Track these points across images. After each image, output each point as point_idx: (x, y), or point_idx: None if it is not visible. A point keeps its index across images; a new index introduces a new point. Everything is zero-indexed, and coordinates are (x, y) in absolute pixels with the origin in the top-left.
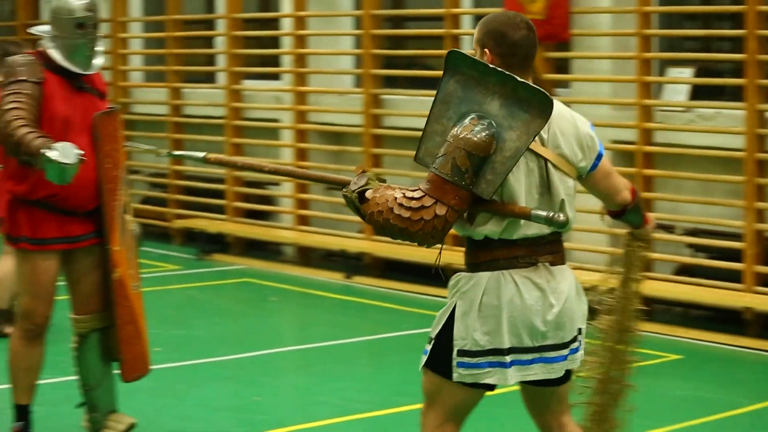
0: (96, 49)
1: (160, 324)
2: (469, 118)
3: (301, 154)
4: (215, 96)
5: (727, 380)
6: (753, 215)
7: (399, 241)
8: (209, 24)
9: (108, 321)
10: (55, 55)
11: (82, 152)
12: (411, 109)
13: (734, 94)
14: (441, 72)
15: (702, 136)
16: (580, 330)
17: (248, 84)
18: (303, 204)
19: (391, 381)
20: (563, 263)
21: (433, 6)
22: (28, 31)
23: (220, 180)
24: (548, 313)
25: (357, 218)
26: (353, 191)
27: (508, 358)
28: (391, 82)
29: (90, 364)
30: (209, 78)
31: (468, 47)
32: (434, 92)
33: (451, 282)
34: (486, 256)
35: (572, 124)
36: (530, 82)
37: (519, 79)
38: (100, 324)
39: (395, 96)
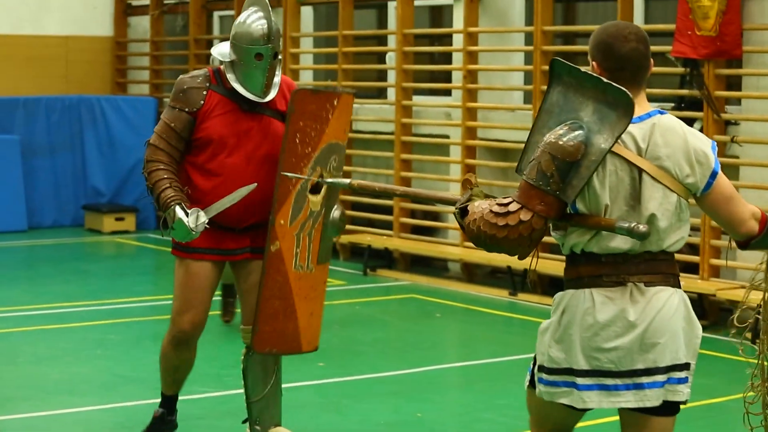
0: (273, 78)
1: (325, 339)
2: (562, 124)
3: (470, 171)
4: (385, 111)
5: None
6: None
7: (495, 253)
8: (380, 39)
9: None
10: (230, 78)
11: (204, 220)
12: None
13: None
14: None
15: None
16: (688, 364)
17: (418, 100)
18: None
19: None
20: (665, 285)
21: (604, 22)
22: (214, 54)
23: (387, 195)
24: (628, 334)
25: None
26: (456, 207)
27: (580, 380)
28: None
29: (255, 375)
30: (380, 93)
31: None
32: None
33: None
34: (572, 272)
35: (682, 138)
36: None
37: (607, 80)
38: None
39: None
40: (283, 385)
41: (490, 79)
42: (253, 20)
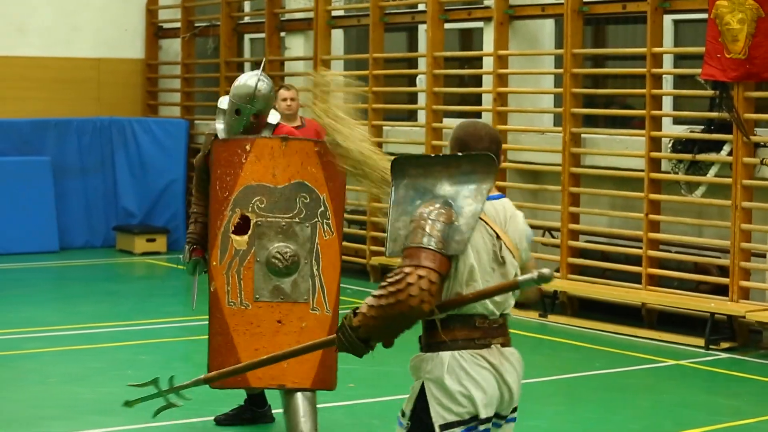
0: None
1: (354, 361)
2: (427, 201)
3: (500, 191)
4: (416, 134)
5: None
6: None
7: (397, 329)
8: (411, 62)
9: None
10: (219, 128)
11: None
12: (610, 148)
13: None
14: (641, 111)
15: None
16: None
17: (448, 122)
18: None
19: (584, 419)
20: (510, 345)
21: (634, 45)
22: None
23: None
24: (502, 389)
25: (553, 257)
26: (347, 319)
27: (482, 427)
28: (590, 121)
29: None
30: (410, 116)
31: (669, 87)
32: (632, 130)
33: (412, 363)
34: (446, 335)
35: (521, 221)
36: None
37: (458, 154)
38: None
39: (595, 135)
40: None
41: (520, 102)
42: (243, 80)
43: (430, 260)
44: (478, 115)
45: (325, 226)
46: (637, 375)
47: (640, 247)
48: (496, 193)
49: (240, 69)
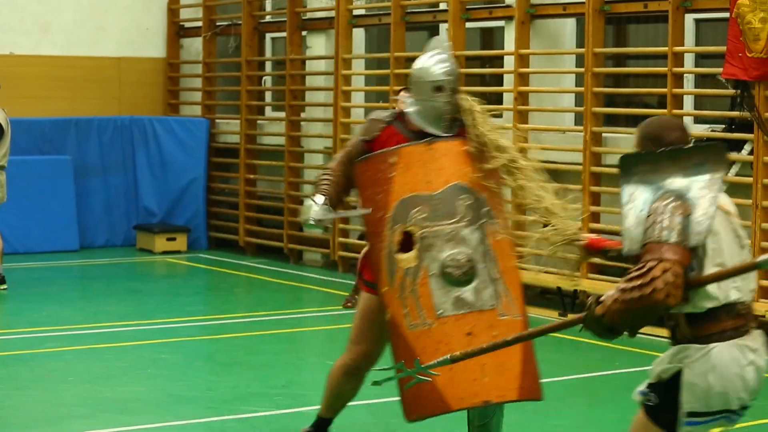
0: (454, 112)
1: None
2: (661, 196)
3: (518, 192)
4: None
5: None
6: None
7: (644, 324)
8: None
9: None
10: (413, 116)
11: (329, 216)
12: (631, 147)
13: None
14: (663, 110)
15: None
16: None
17: None
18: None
19: (605, 418)
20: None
21: (655, 44)
22: (393, 98)
23: None
24: (761, 377)
25: (571, 255)
26: (590, 309)
27: (735, 416)
28: (611, 120)
29: None
30: None
31: (690, 86)
32: None
33: (673, 350)
34: (715, 327)
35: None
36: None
37: (685, 147)
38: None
39: (616, 134)
40: None
41: (541, 101)
42: (433, 61)
43: (672, 252)
44: (499, 114)
45: (493, 226)
46: None
47: None
48: None
49: (261, 67)
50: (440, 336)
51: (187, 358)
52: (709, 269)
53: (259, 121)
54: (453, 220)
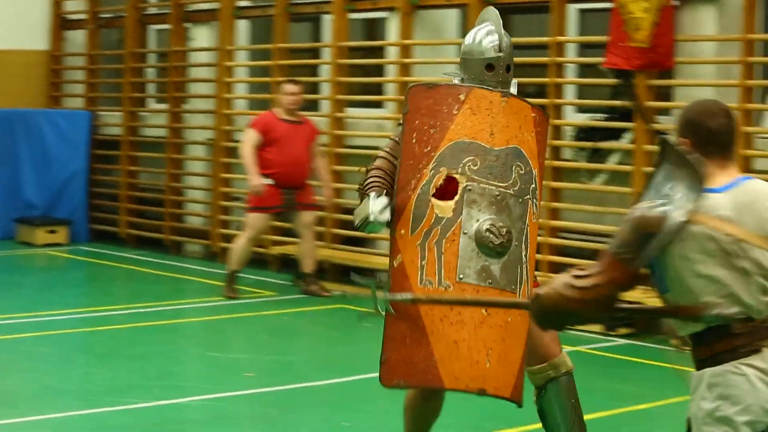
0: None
1: (254, 349)
2: (652, 201)
3: None
4: (319, 124)
5: None
6: None
7: (571, 324)
8: (315, 52)
9: (564, 368)
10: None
11: (386, 218)
12: None
13: None
14: (545, 99)
15: None
16: None
17: (351, 112)
18: None
19: (480, 406)
20: None
21: (537, 34)
22: (444, 73)
23: (318, 207)
24: None
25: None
26: (536, 296)
27: None
28: None
29: (551, 417)
30: (313, 106)
31: (573, 75)
32: None
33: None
34: (706, 352)
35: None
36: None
37: (688, 157)
38: (555, 373)
39: None
40: (209, 396)
41: None
42: (483, 35)
43: (613, 269)
44: (380, 105)
45: (534, 206)
46: None
47: (541, 235)
48: (730, 179)
49: (143, 60)
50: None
51: (65, 351)
52: (678, 295)
53: (141, 113)
54: (504, 184)
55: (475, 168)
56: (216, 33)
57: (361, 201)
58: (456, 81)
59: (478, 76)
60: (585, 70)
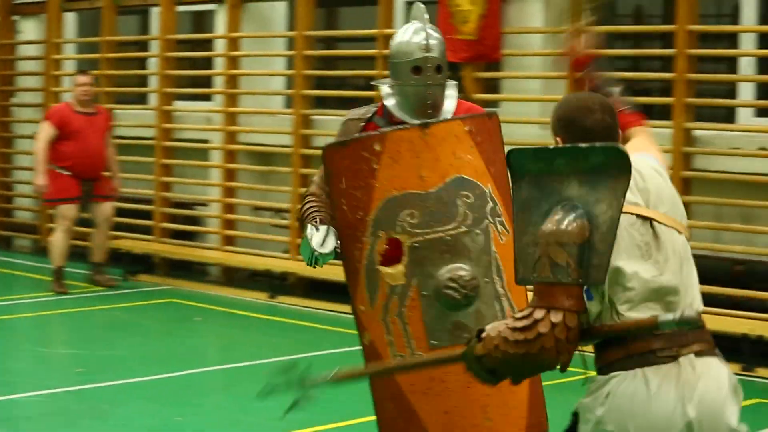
0: (445, 94)
1: (85, 345)
2: (555, 210)
3: (230, 175)
4: (146, 117)
5: None
6: None
7: (529, 376)
8: (142, 45)
9: None
10: (392, 108)
11: (329, 250)
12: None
13: (662, 113)
14: (371, 91)
15: None
16: None
17: (180, 105)
18: (229, 224)
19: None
20: (713, 354)
21: (365, 27)
22: (373, 83)
23: (146, 200)
24: (690, 417)
25: (282, 238)
26: (471, 346)
27: None
28: (322, 103)
29: None
30: (141, 99)
31: None
32: None
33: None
34: (619, 352)
35: (662, 177)
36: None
37: (583, 145)
38: None
39: (326, 117)
40: (41, 392)
41: (252, 85)
42: (408, 35)
43: (565, 297)
44: (208, 98)
45: (498, 226)
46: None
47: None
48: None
49: None
50: (433, 372)
51: None
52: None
53: None
54: (452, 225)
55: (415, 221)
56: (44, 26)
57: (302, 230)
58: (385, 88)
59: (405, 81)
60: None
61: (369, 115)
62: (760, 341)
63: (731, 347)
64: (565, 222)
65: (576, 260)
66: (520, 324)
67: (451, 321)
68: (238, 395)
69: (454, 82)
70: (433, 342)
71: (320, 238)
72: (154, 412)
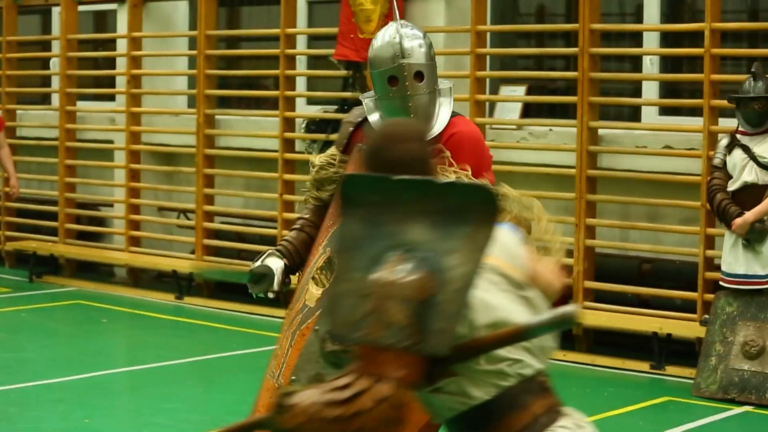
0: (437, 101)
1: None
2: (390, 256)
3: (135, 175)
4: (49, 117)
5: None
6: (583, 231)
7: None
8: (44, 45)
9: None
10: (374, 122)
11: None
12: (244, 129)
13: (566, 112)
14: (276, 91)
15: (534, 154)
16: None
17: (82, 105)
18: (134, 225)
19: (221, 401)
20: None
21: (268, 26)
22: (361, 97)
23: (52, 201)
24: None
25: (188, 239)
26: (278, 413)
27: None
28: (225, 103)
29: None
30: (43, 99)
31: (303, 67)
32: (266, 111)
33: None
34: (524, 417)
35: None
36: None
37: (444, 180)
38: None
39: (229, 116)
40: None
41: (155, 84)
42: (382, 42)
43: (396, 366)
44: (113, 98)
45: None
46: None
47: (275, 227)
48: None
49: None
50: None
51: None
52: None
53: None
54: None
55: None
56: None
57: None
58: (368, 102)
59: (383, 94)
60: (315, 61)
61: (360, 120)
62: (669, 339)
63: (640, 345)
64: (403, 272)
65: (414, 321)
66: (338, 396)
67: (318, 368)
68: (146, 396)
69: (449, 86)
70: (293, 378)
71: (257, 276)
72: (63, 415)
